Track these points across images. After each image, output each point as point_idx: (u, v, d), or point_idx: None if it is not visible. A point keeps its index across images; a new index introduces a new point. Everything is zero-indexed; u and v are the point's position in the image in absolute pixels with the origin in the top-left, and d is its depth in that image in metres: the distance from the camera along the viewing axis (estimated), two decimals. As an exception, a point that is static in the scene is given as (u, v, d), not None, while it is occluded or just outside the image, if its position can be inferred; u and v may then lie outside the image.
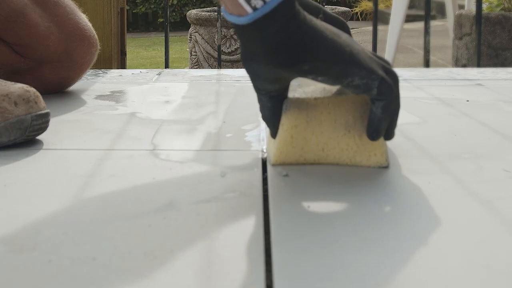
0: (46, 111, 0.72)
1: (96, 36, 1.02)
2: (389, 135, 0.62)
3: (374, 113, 0.59)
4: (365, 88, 0.57)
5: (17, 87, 0.70)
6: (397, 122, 0.62)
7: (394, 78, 0.59)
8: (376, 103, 0.58)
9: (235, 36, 2.95)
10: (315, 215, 0.51)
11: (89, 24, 1.02)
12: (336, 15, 0.64)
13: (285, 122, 0.62)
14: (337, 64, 0.55)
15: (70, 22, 0.98)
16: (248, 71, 0.57)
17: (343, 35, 0.57)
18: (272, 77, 0.56)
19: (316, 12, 0.61)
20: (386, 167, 0.63)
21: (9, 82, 0.73)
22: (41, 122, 0.72)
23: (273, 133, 0.63)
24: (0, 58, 0.97)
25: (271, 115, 0.62)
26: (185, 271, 0.42)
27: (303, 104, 0.62)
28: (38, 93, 0.72)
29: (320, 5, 0.63)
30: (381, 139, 0.62)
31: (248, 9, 0.52)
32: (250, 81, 0.59)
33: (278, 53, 0.53)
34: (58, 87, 1.02)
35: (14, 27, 0.96)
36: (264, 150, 0.70)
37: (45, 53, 0.98)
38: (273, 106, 0.61)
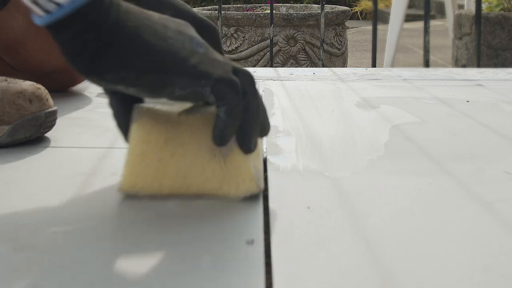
0: (55, 108, 0.73)
1: None
2: (245, 144, 0.52)
3: (219, 116, 0.50)
4: (196, 97, 0.49)
5: (28, 84, 0.71)
6: (255, 130, 0.52)
7: (246, 78, 0.51)
8: (219, 108, 0.50)
9: (235, 35, 2.96)
10: (315, 215, 0.51)
11: None
12: (200, 16, 0.54)
13: (135, 134, 0.51)
14: (149, 74, 0.47)
15: None
16: None
17: (174, 37, 0.48)
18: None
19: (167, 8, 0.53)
20: (258, 194, 0.54)
21: (16, 79, 0.73)
22: (53, 119, 0.73)
23: (124, 137, 0.54)
24: None
25: (114, 115, 0.53)
26: (185, 271, 0.42)
27: (162, 117, 0.52)
28: (47, 91, 0.73)
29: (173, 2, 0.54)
30: (247, 161, 0.52)
31: (40, 12, 0.45)
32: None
33: (75, 61, 0.46)
34: (56, 91, 1.01)
35: (13, 54, 0.94)
36: (265, 150, 0.70)
37: (44, 70, 0.96)
38: (116, 106, 0.53)
